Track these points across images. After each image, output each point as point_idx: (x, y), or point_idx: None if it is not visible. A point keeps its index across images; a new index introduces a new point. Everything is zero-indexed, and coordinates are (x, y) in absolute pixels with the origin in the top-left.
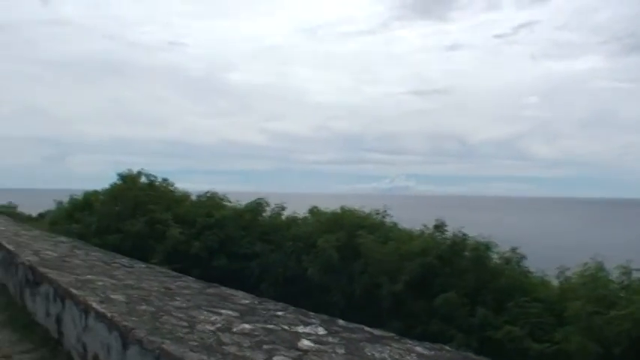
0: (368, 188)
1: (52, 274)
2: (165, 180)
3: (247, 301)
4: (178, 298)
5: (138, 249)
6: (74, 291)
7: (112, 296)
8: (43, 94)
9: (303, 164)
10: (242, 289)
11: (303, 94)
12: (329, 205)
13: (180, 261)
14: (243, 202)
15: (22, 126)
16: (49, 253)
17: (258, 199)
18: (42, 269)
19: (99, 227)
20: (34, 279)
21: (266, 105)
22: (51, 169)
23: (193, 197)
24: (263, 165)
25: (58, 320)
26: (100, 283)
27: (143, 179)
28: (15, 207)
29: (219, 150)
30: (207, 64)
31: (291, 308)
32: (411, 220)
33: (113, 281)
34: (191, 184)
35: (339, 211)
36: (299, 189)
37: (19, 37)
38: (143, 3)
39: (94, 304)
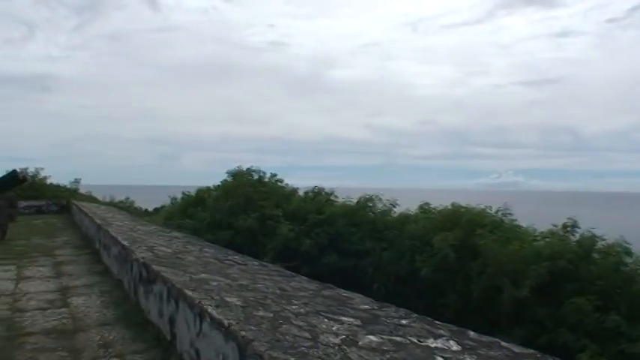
0: (473, 184)
1: (167, 273)
2: (274, 176)
3: (367, 306)
4: (295, 302)
5: (249, 245)
6: (188, 292)
7: (228, 299)
8: (156, 97)
9: (407, 159)
10: (354, 287)
11: (407, 88)
12: (434, 201)
13: (291, 258)
14: (347, 198)
15: (139, 127)
16: (163, 249)
17: (369, 195)
18: (156, 267)
19: (211, 223)
20: (148, 276)
21: (369, 100)
22: (165, 167)
23: (301, 193)
24: (366, 160)
25: (171, 321)
26: (214, 284)
27: (253, 176)
28: (132, 202)
29: (323, 146)
30: (310, 63)
31: (415, 315)
32: (523, 217)
33: (228, 281)
34: (296, 180)
35: (453, 207)
36: (403, 184)
37: (134, 45)
38: (248, 6)
39: (210, 309)
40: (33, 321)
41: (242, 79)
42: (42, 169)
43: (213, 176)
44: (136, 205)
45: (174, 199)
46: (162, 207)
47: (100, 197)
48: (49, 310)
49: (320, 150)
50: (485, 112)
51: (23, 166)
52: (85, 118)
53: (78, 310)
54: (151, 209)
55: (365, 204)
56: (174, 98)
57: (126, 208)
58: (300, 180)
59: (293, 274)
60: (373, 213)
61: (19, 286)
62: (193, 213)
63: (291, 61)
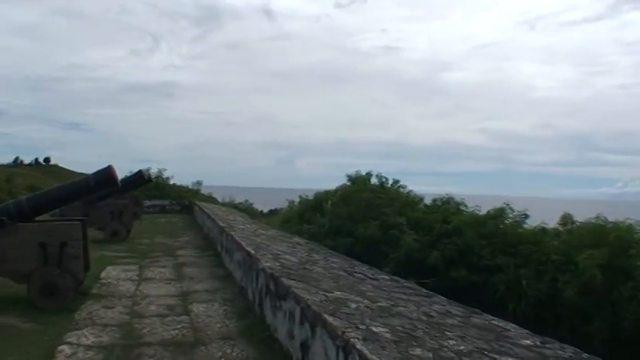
0: (596, 193)
1: (298, 289)
2: (396, 182)
3: (528, 342)
4: (449, 334)
5: (369, 254)
6: (329, 318)
7: (374, 329)
8: (273, 102)
9: (525, 165)
10: (484, 306)
11: (525, 90)
12: (553, 212)
13: (415, 270)
14: (475, 207)
15: (256, 132)
16: (289, 257)
17: (501, 204)
18: (286, 281)
19: (330, 229)
20: (277, 290)
21: (484, 104)
22: (281, 170)
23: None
24: (482, 166)
25: (304, 347)
26: (353, 305)
27: (373, 180)
28: (251, 204)
29: (436, 151)
30: (423, 66)
31: (585, 356)
32: None
33: (366, 302)
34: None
35: (597, 221)
36: (520, 192)
37: (251, 53)
38: (360, 12)
39: (358, 344)
40: (152, 329)
41: (356, 84)
42: (165, 169)
43: (327, 180)
44: (254, 206)
45: (291, 202)
46: (278, 210)
47: (219, 198)
48: (168, 318)
49: (434, 155)
50: (609, 116)
51: (150, 167)
52: (205, 122)
53: (199, 319)
54: (266, 211)
55: (496, 214)
56: (290, 104)
57: (245, 209)
58: (415, 186)
59: (429, 292)
60: (504, 225)
61: (140, 287)
62: (311, 217)
63: (405, 65)
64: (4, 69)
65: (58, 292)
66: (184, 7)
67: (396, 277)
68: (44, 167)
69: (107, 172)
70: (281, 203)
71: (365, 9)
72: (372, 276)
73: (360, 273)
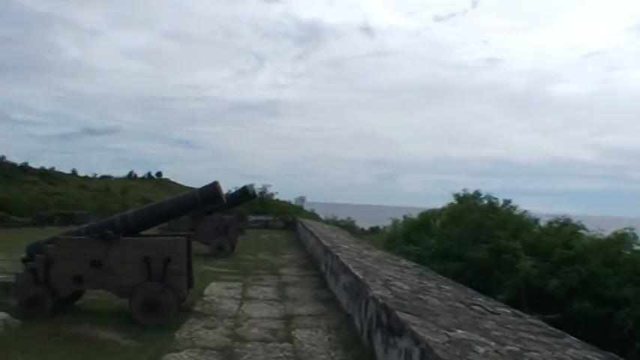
0: None
1: (416, 326)
2: (507, 202)
3: None
4: None
5: (480, 279)
6: None
7: None
8: (374, 119)
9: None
10: (607, 343)
11: (639, 101)
12: None
13: (532, 299)
14: (597, 230)
15: (358, 149)
16: (399, 284)
17: (627, 228)
18: (401, 316)
19: (438, 251)
20: (390, 325)
21: (595, 117)
22: (382, 187)
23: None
24: (592, 185)
25: None
26: (480, 350)
27: (482, 200)
28: (352, 222)
29: (543, 168)
30: (528, 78)
31: None
32: None
33: (493, 344)
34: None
35: None
36: (635, 213)
37: (352, 70)
38: (460, 25)
39: None
40: (253, 355)
41: (457, 99)
42: (270, 185)
43: (429, 198)
44: (356, 224)
45: (395, 221)
46: (379, 228)
47: (321, 214)
48: (271, 344)
49: (540, 173)
50: None
51: (254, 182)
52: (308, 139)
53: (302, 347)
54: (367, 228)
55: (621, 239)
56: (391, 120)
57: (347, 227)
58: (523, 206)
59: (558, 331)
60: (631, 251)
61: (242, 307)
62: (418, 238)
63: (508, 77)
64: (121, 90)
65: (160, 308)
66: (286, 27)
67: (518, 312)
68: (156, 181)
69: (213, 189)
70: (382, 221)
71: (465, 21)
72: (491, 309)
73: (478, 305)
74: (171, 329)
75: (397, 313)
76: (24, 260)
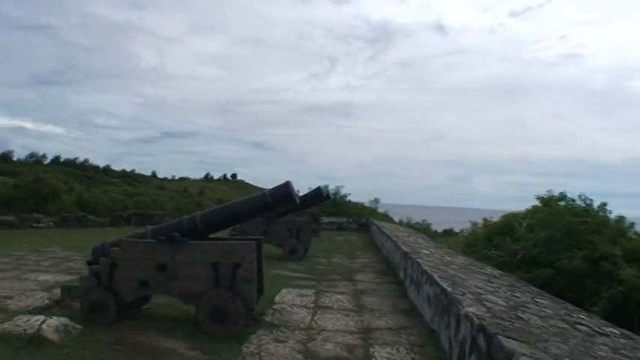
0: None
1: (526, 358)
2: (604, 205)
3: None
4: None
5: (573, 289)
6: None
7: None
8: (447, 119)
9: None
10: None
11: None
12: None
13: (634, 313)
14: None
15: (431, 150)
16: (493, 299)
17: None
18: (505, 342)
19: (524, 258)
20: (490, 353)
21: None
22: (456, 188)
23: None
24: None
25: None
26: None
27: (569, 202)
28: (428, 225)
29: (625, 169)
30: (609, 74)
31: None
32: None
33: None
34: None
35: None
36: None
37: (425, 70)
38: (536, 19)
39: None
40: None
41: (533, 97)
42: (343, 186)
43: (504, 200)
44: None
45: (474, 224)
46: (452, 230)
47: (394, 216)
48: None
49: (623, 174)
50: None
51: (328, 184)
52: (381, 140)
53: None
54: (440, 230)
55: None
56: (464, 120)
57: (421, 230)
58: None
59: None
60: None
61: (315, 318)
62: (500, 243)
63: (587, 73)
64: (198, 95)
65: (228, 317)
66: (358, 29)
67: (627, 332)
68: (231, 182)
69: (284, 189)
70: (455, 224)
71: (541, 15)
72: (598, 329)
73: (583, 324)
74: (238, 341)
75: (500, 338)
76: (89, 263)
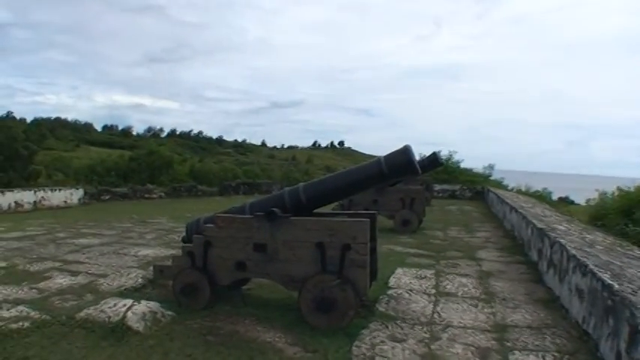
0: None
1: None
2: None
3: None
4: None
5: None
6: None
7: None
8: (563, 79)
9: None
10: None
11: None
12: None
13: None
14: None
15: (544, 112)
16: None
17: None
18: None
19: None
20: None
21: None
22: (571, 153)
23: None
24: None
25: None
26: None
27: None
28: (549, 193)
29: None
30: None
31: None
32: None
33: None
34: None
35: None
36: None
37: (537, 26)
38: None
39: None
40: None
41: None
42: (455, 152)
43: (624, 166)
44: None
45: (603, 193)
46: (568, 198)
47: (510, 184)
48: None
49: None
50: None
51: (440, 149)
52: (492, 103)
53: None
54: (554, 199)
55: None
56: (583, 79)
57: (542, 199)
58: None
59: None
60: None
61: (438, 308)
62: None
63: None
64: (303, 64)
65: (336, 308)
66: None
67: None
68: (338, 150)
69: (404, 155)
70: (571, 191)
71: None
72: None
73: None
74: (348, 336)
75: None
76: (183, 240)
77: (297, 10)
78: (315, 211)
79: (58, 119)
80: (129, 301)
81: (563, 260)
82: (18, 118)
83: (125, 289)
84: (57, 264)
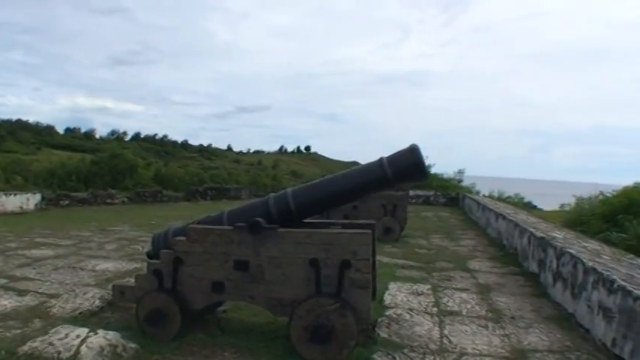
0: None
1: None
2: None
3: None
4: None
5: None
6: None
7: None
8: (526, 86)
9: None
10: None
11: None
12: None
13: None
14: None
15: (508, 118)
16: None
17: None
18: None
19: None
20: None
21: None
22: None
23: None
24: None
25: None
26: None
27: None
28: (522, 199)
29: None
30: None
31: None
32: None
33: None
34: None
35: None
36: None
37: (502, 34)
38: None
39: None
40: None
41: (617, 62)
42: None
43: (584, 171)
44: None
45: (580, 199)
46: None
47: (482, 190)
48: None
49: None
50: None
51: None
52: (457, 110)
53: None
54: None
55: None
56: (544, 87)
57: (515, 204)
58: None
59: None
60: None
61: (445, 332)
62: (623, 223)
63: None
64: (269, 68)
65: (334, 338)
66: None
67: None
68: (305, 155)
69: (411, 156)
70: (534, 196)
71: None
72: None
73: None
74: None
75: None
76: (149, 256)
77: (266, 15)
78: (306, 221)
79: (19, 121)
80: (83, 331)
81: (578, 274)
82: None
83: (80, 314)
84: (2, 281)
